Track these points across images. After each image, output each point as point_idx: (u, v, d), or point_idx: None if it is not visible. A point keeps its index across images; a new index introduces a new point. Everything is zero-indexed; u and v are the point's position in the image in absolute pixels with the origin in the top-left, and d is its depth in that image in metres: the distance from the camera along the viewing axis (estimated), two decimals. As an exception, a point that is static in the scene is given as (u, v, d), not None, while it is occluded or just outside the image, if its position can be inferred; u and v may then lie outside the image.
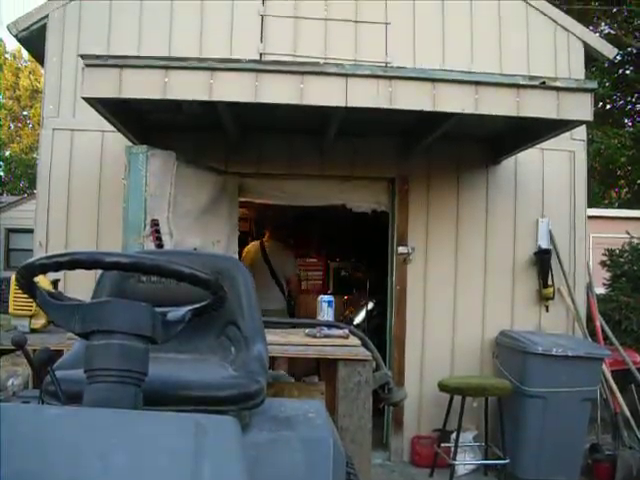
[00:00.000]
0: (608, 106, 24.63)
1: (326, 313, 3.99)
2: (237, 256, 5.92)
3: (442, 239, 6.32)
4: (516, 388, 5.55)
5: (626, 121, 25.28)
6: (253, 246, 7.94)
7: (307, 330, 3.91)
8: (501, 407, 5.59)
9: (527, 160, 6.52)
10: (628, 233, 9.34)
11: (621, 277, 8.92)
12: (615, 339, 6.80)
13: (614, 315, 8.02)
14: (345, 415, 3.33)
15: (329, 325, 3.88)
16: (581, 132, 6.69)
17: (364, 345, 3.85)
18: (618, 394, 6.25)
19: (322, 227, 9.96)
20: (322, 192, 6.25)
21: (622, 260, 9.15)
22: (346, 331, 3.88)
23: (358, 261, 9.85)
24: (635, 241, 9.15)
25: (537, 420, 5.49)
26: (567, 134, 6.43)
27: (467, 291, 6.34)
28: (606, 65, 23.44)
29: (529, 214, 6.51)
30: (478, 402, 5.87)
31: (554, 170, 6.60)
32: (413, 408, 6.22)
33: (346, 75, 4.54)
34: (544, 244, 6.46)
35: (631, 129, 24.57)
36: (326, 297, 4.03)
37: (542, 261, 6.37)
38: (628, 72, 24.37)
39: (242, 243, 9.70)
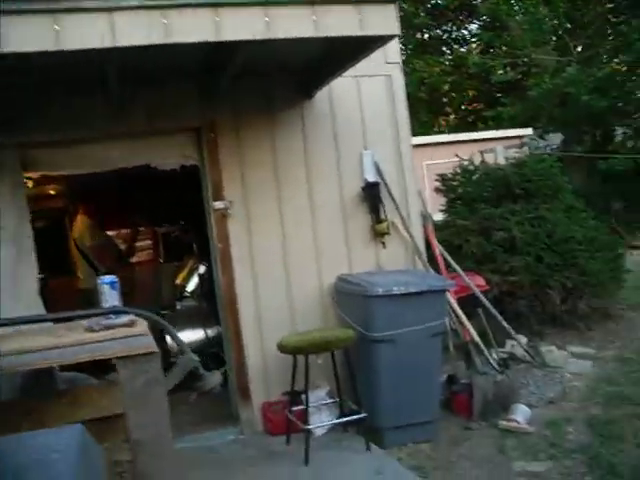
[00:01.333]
0: (426, 36, 24.88)
1: (109, 297, 3.22)
2: (31, 240, 5.08)
3: (262, 188, 5.74)
4: (361, 335, 5.12)
5: (444, 49, 25.70)
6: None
7: (86, 323, 3.12)
8: (349, 358, 5.15)
9: (343, 91, 6.03)
10: (457, 156, 9.17)
11: (456, 201, 8.75)
12: (457, 265, 6.54)
13: (453, 240, 7.82)
14: (137, 426, 2.63)
15: (111, 312, 3.12)
16: (395, 54, 6.30)
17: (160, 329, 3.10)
18: (466, 322, 6.00)
19: (144, 192, 9.17)
20: (123, 153, 5.49)
21: (455, 184, 8.98)
22: (132, 317, 3.12)
23: (185, 224, 9.15)
24: (465, 163, 8.98)
25: (388, 365, 5.10)
26: (381, 58, 6.04)
27: (297, 239, 5.83)
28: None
29: (352, 148, 6.05)
30: (324, 357, 5.40)
31: (372, 98, 6.16)
32: (258, 373, 5.69)
33: (109, 10, 3.79)
34: (371, 177, 6.03)
35: (450, 56, 25.05)
36: (107, 278, 3.27)
37: (371, 195, 5.94)
38: (440, 0, 24.69)
39: (59, 222, 8.85)
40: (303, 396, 5.10)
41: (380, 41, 4.65)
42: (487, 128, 20.81)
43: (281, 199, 5.79)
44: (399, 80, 6.26)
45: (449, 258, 6.55)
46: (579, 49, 19.73)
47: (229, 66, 4.80)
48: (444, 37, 25.61)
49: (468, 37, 25.14)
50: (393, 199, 6.04)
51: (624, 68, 18.81)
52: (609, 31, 19.46)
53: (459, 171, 9.03)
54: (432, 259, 6.35)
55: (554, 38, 20.20)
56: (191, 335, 7.58)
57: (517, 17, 20.13)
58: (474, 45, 24.93)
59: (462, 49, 24.47)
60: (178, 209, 9.21)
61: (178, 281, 7.76)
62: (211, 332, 7.54)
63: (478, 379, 5.63)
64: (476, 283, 6.50)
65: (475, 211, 8.19)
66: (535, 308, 7.60)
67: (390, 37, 4.60)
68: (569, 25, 20.12)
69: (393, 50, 6.27)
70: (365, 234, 6.03)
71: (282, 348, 5.04)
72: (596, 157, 16.90)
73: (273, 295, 5.73)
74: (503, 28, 20.80)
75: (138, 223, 9.31)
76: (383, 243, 6.05)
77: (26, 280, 5.01)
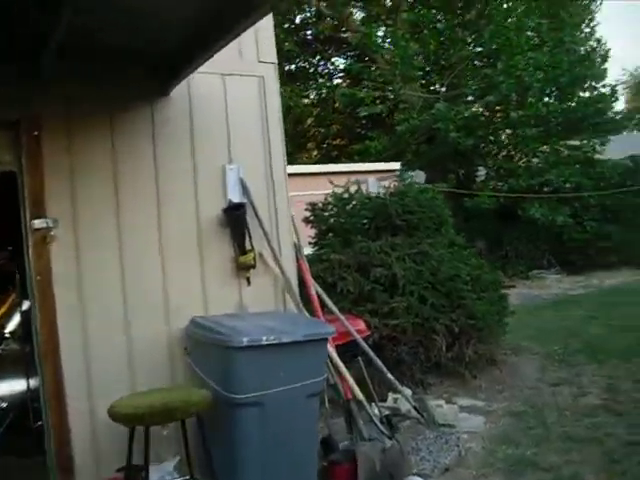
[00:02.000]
0: (293, 66, 24.26)
1: None
2: None
3: (98, 206, 4.52)
4: (220, 397, 3.97)
5: (311, 82, 25.19)
6: None
7: None
8: (203, 425, 3.96)
9: (205, 91, 4.96)
10: (332, 182, 8.28)
11: (327, 233, 7.82)
12: (335, 307, 5.53)
13: (326, 277, 6.84)
14: None
15: None
16: (270, 52, 5.33)
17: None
18: (348, 376, 4.96)
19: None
20: None
21: (326, 214, 8.06)
22: None
23: (13, 248, 7.62)
24: (339, 191, 8.08)
25: (254, 434, 3.96)
26: (253, 55, 5.09)
27: (140, 273, 4.62)
28: (291, 26, 23.09)
29: (214, 161, 4.95)
30: (172, 425, 4.19)
31: (241, 101, 5.12)
32: (85, 443, 4.39)
33: None
34: (236, 197, 4.95)
35: (316, 89, 24.56)
36: None
37: (235, 220, 4.84)
38: (309, 33, 24.22)
39: None
40: (143, 473, 3.86)
41: (254, 14, 3.60)
42: (352, 163, 20.35)
43: (121, 221, 4.58)
44: (273, 83, 5.25)
45: (326, 298, 5.54)
46: (444, 88, 19.67)
47: (56, 35, 3.59)
48: (311, 70, 25.12)
49: (336, 70, 24.75)
50: (262, 225, 4.97)
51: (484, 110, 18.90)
52: (473, 72, 19.51)
53: (331, 200, 8.11)
54: (306, 299, 5.30)
55: (422, 75, 20.07)
56: (9, 386, 6.16)
57: (385, 51, 19.89)
58: (340, 80, 24.59)
59: (329, 82, 23.98)
60: (4, 229, 7.73)
61: (-4, 319, 6.33)
62: (35, 382, 6.14)
63: (363, 447, 4.60)
64: (356, 328, 5.51)
65: (350, 244, 7.28)
66: (418, 355, 6.70)
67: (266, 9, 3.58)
68: (436, 64, 20.06)
69: (267, 47, 5.28)
70: (226, 267, 4.92)
71: (114, 415, 3.78)
72: (465, 193, 16.66)
73: (108, 343, 4.48)
74: (372, 61, 20.51)
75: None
76: (248, 279, 4.96)
77: None
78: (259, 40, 5.23)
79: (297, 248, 5.36)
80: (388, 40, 20.46)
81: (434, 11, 19.98)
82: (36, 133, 4.34)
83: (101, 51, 4.22)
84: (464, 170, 19.65)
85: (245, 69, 5.11)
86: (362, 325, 5.71)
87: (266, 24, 5.22)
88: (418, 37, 19.27)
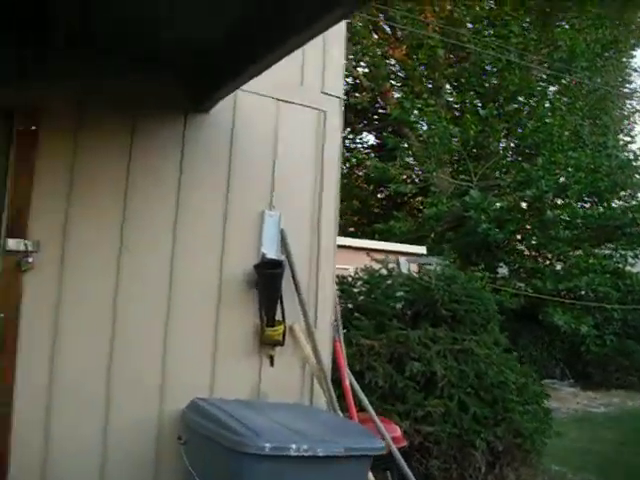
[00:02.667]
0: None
1: None
2: None
3: (95, 233, 3.48)
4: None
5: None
6: None
7: None
8: None
9: (254, 115, 3.97)
10: (368, 254, 7.24)
11: (353, 312, 6.72)
12: (370, 406, 4.41)
13: (354, 364, 5.69)
14: None
15: None
16: (336, 84, 4.34)
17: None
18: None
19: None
20: None
21: (356, 290, 6.98)
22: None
23: None
24: (375, 265, 7.05)
25: None
26: (316, 84, 4.10)
27: (134, 332, 3.54)
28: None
29: (250, 203, 3.93)
30: None
31: (294, 136, 4.13)
32: None
33: None
34: (272, 253, 3.90)
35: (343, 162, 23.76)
36: None
37: (268, 280, 3.77)
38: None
39: None
40: None
41: (324, 22, 2.62)
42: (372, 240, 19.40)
43: (123, 260, 3.52)
44: (336, 120, 4.27)
45: (360, 393, 4.41)
46: (477, 177, 18.82)
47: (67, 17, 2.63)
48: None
49: (363, 145, 23.97)
50: (299, 292, 3.90)
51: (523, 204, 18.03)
52: (510, 165, 18.71)
53: (362, 275, 7.06)
54: (338, 392, 4.19)
55: (456, 159, 19.30)
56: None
57: (423, 131, 19.18)
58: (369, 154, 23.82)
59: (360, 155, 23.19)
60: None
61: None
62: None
63: None
64: (392, 435, 4.38)
65: (383, 329, 6.18)
66: (450, 472, 5.54)
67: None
68: (474, 150, 19.28)
69: (334, 78, 4.33)
70: (246, 339, 3.83)
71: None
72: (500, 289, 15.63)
73: (76, 427, 3.37)
74: (405, 138, 19.75)
75: None
76: (271, 358, 3.86)
77: None
78: (326, 67, 4.28)
79: (335, 326, 4.27)
80: (424, 120, 19.73)
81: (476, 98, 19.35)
82: (33, 128, 3.33)
83: (127, 44, 3.27)
84: (485, 264, 18.63)
85: (305, 99, 4.15)
86: (398, 432, 4.58)
87: (337, 51, 4.32)
88: (458, 121, 18.53)
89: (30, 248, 3.25)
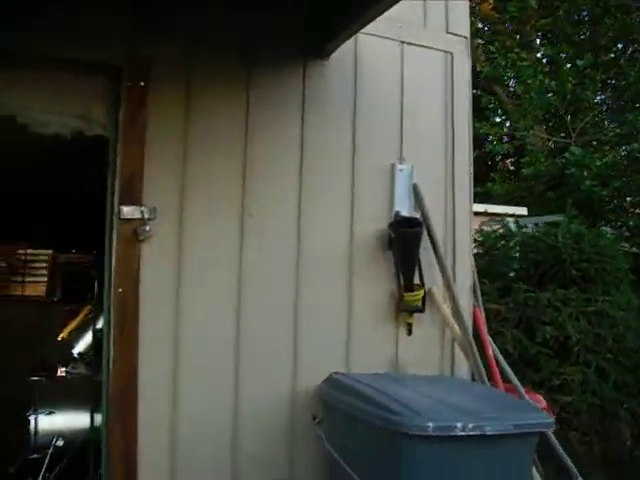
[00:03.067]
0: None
1: None
2: None
3: (215, 196, 3.16)
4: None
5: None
6: None
7: None
8: None
9: (376, 59, 3.57)
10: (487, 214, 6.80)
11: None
12: (514, 376, 3.99)
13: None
14: None
15: None
16: (462, 23, 3.89)
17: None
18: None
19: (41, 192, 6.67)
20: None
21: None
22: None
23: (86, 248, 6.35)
24: (494, 227, 6.60)
25: None
26: (441, 24, 3.66)
27: (263, 302, 3.22)
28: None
29: (379, 157, 3.54)
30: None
31: (420, 80, 3.71)
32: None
33: None
34: (405, 209, 3.52)
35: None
36: None
37: (406, 241, 3.39)
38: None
39: None
40: None
41: None
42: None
43: (246, 224, 3.20)
44: (464, 62, 3.83)
45: (504, 363, 3.99)
46: (575, 133, 17.88)
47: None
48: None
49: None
50: (437, 251, 3.50)
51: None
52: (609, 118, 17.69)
53: (476, 237, 6.59)
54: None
55: (552, 115, 18.37)
56: (69, 420, 4.86)
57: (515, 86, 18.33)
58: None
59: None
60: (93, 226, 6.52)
61: (63, 335, 5.03)
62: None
63: None
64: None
65: (507, 292, 5.73)
66: (592, 445, 5.09)
67: None
68: (572, 104, 18.32)
69: (460, 16, 3.89)
70: (382, 307, 3.47)
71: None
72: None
73: (208, 399, 3.08)
74: (495, 95, 18.92)
75: (27, 240, 6.55)
76: (409, 326, 3.49)
77: None
78: (450, 4, 3.83)
79: (474, 290, 3.87)
80: (516, 75, 18.86)
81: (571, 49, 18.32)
82: (142, 84, 3.02)
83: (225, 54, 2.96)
84: (587, 223, 17.76)
85: (429, 40, 3.72)
86: (544, 403, 4.14)
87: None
88: (552, 75, 17.59)
89: (147, 216, 2.96)
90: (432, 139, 3.69)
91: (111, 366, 2.97)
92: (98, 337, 4.80)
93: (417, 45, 3.67)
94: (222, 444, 3.10)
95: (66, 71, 3.02)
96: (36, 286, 6.55)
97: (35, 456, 4.71)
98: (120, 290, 2.94)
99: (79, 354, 4.94)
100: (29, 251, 6.46)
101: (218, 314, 3.13)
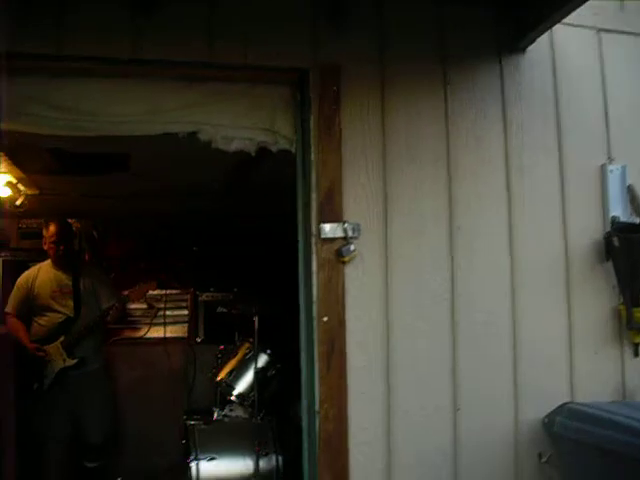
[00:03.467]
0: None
1: None
2: None
3: (418, 207, 2.83)
4: None
5: None
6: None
7: None
8: None
9: (572, 50, 3.19)
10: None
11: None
12: None
13: None
14: None
15: None
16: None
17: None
18: None
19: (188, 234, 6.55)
20: (147, 107, 2.69)
21: None
22: None
23: (241, 287, 6.14)
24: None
25: None
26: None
27: (477, 318, 2.85)
28: None
29: (585, 158, 3.13)
30: None
31: (622, 71, 3.30)
32: None
33: None
34: (622, 214, 3.10)
35: None
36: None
37: (629, 249, 2.96)
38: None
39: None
40: None
41: None
42: None
43: (452, 235, 2.85)
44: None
45: None
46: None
47: None
48: None
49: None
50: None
51: None
52: None
53: None
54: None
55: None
56: (232, 466, 4.60)
57: None
58: None
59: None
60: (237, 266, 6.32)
61: (220, 376, 4.78)
62: (266, 465, 4.55)
63: None
64: None
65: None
66: None
67: None
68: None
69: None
70: (603, 326, 3.03)
71: None
72: None
73: (422, 443, 2.73)
74: None
75: (173, 283, 6.41)
76: (636, 346, 3.05)
77: None
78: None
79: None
80: None
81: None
82: (335, 89, 2.74)
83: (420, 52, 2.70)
84: None
85: (628, 25, 3.32)
86: None
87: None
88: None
89: (350, 234, 2.65)
90: (641, 134, 3.27)
91: (317, 407, 2.64)
92: (259, 377, 4.57)
93: (615, 31, 3.27)
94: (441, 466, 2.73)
95: (249, 81, 2.79)
96: (178, 327, 6.39)
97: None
98: (325, 319, 2.63)
99: (238, 395, 4.68)
100: (169, 291, 6.31)
101: (431, 346, 2.78)
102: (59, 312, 4.76)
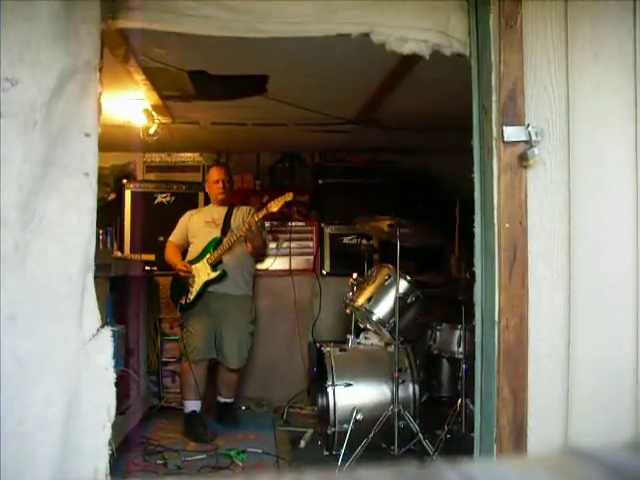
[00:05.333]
0: None
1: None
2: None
3: (602, 111, 2.64)
4: None
5: None
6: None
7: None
8: None
9: None
10: None
11: None
12: None
13: None
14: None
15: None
16: None
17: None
18: None
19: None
20: (320, 6, 2.61)
21: None
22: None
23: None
24: None
25: None
26: None
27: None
28: None
29: None
30: None
31: None
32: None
33: None
34: None
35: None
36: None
37: None
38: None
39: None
40: None
41: None
42: None
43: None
44: None
45: None
46: None
47: None
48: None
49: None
50: None
51: None
52: None
53: None
54: None
55: None
56: (368, 393, 4.60)
57: None
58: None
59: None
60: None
61: (359, 302, 4.74)
62: (402, 392, 4.53)
63: None
64: None
65: None
66: None
67: None
68: None
69: None
70: None
71: None
72: None
73: (605, 355, 2.59)
74: None
75: (298, 217, 6.43)
76: None
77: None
78: None
79: None
80: None
81: None
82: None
83: None
84: None
85: None
86: None
87: None
88: None
89: (534, 137, 2.51)
90: None
91: (496, 317, 2.55)
92: (400, 303, 4.51)
93: None
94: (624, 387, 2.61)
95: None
96: (303, 259, 6.41)
97: (334, 430, 4.49)
98: (507, 226, 2.51)
99: (378, 320, 4.64)
100: (294, 223, 6.32)
101: (615, 253, 2.62)
102: (208, 236, 5.16)
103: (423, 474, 0.58)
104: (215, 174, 5.33)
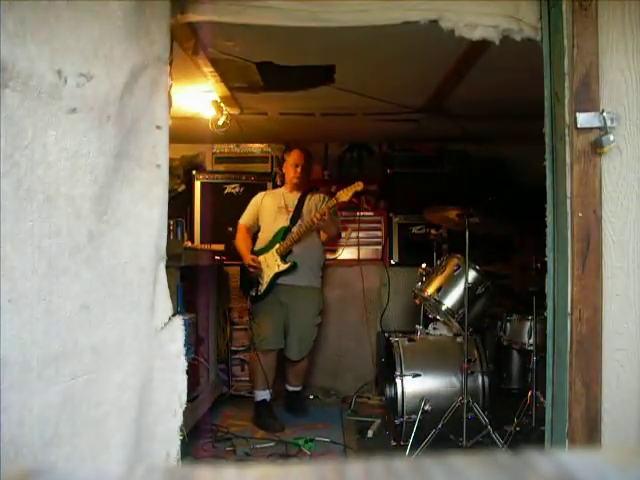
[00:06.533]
0: None
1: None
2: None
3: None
4: None
5: None
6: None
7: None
8: None
9: None
10: None
11: None
12: None
13: None
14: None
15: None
16: None
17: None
18: None
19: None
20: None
21: None
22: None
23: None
24: None
25: None
26: None
27: None
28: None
29: None
30: None
31: None
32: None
33: None
34: None
35: None
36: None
37: None
38: None
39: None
40: None
41: None
42: None
43: None
44: None
45: None
46: None
47: None
48: None
49: None
50: None
51: None
52: None
53: None
54: None
55: None
56: (437, 383, 4.57)
57: None
58: None
59: None
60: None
61: (429, 292, 4.71)
62: (472, 383, 4.48)
63: None
64: None
65: None
66: None
67: None
68: None
69: None
70: None
71: None
72: None
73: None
74: None
75: (366, 207, 6.42)
76: None
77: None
78: None
79: None
80: None
81: None
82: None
83: None
84: None
85: None
86: None
87: None
88: None
89: (609, 123, 2.44)
90: None
91: (569, 309, 2.49)
92: (469, 295, 4.46)
93: None
94: None
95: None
96: (371, 249, 6.40)
97: (402, 420, 4.48)
98: (580, 215, 2.45)
99: (447, 310, 4.60)
100: (362, 213, 6.31)
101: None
102: (279, 222, 5.16)
103: (516, 462, 0.58)
104: (295, 157, 5.33)
